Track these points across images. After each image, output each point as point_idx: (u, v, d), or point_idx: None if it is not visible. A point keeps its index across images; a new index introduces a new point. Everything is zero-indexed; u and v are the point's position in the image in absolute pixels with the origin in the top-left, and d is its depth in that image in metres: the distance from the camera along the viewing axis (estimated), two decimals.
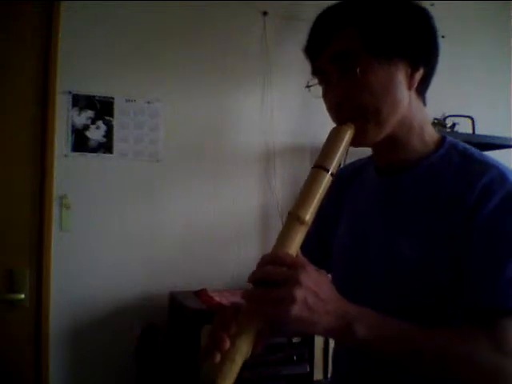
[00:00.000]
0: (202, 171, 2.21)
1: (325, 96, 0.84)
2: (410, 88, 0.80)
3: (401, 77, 0.78)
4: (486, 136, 2.33)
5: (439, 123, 2.34)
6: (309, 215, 0.71)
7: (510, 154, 2.45)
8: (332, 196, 1.00)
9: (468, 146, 0.84)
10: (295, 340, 1.89)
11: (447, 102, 2.34)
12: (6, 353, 1.89)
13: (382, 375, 0.82)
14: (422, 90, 0.83)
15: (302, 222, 0.70)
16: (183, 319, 1.90)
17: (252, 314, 0.66)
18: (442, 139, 0.85)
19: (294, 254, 0.70)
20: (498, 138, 2.35)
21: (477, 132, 2.41)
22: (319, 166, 0.74)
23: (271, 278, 0.65)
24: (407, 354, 0.69)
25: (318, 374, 1.99)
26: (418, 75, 0.80)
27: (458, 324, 0.73)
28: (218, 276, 2.17)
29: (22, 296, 1.89)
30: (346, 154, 0.80)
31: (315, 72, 0.84)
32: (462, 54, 2.56)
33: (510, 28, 2.68)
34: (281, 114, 2.32)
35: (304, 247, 0.72)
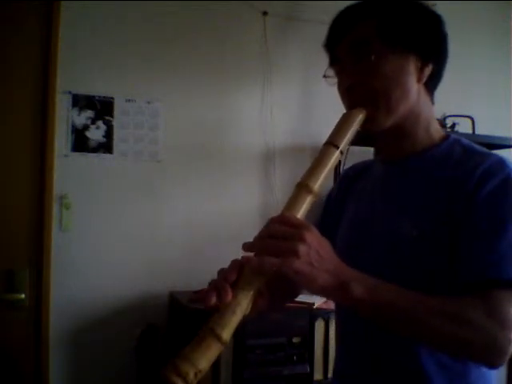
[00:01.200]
0: (202, 171, 2.21)
1: (339, 84, 0.88)
2: (419, 81, 0.85)
3: (411, 69, 0.84)
4: (486, 136, 2.33)
5: (439, 123, 2.34)
6: (317, 185, 0.74)
7: (510, 154, 2.45)
8: (338, 195, 1.05)
9: (471, 142, 0.89)
10: (295, 340, 1.89)
11: (447, 102, 2.33)
12: (6, 353, 1.89)
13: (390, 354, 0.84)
14: (430, 86, 0.88)
15: (309, 190, 0.73)
16: (183, 319, 1.90)
17: (255, 268, 0.67)
18: (447, 135, 0.90)
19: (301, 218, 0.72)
20: (498, 138, 2.35)
21: (477, 132, 2.41)
22: (329, 143, 0.78)
23: (277, 233, 0.67)
24: (402, 313, 0.71)
25: (318, 374, 1.98)
26: (428, 70, 0.85)
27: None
28: None
29: (22, 296, 1.89)
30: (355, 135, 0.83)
31: (333, 62, 0.89)
32: (462, 53, 2.55)
33: (510, 28, 2.68)
34: (281, 114, 2.32)
35: None
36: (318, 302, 2.00)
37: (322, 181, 0.75)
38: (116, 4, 2.07)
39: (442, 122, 2.37)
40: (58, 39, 1.96)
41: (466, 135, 2.31)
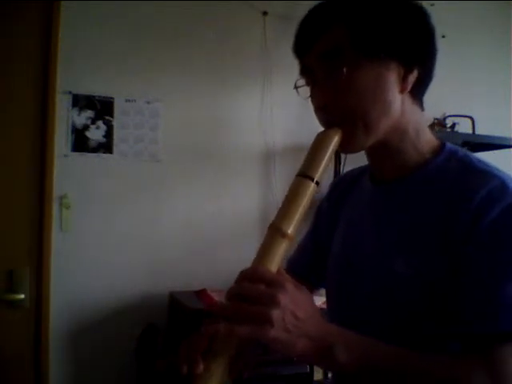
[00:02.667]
0: (202, 171, 2.21)
1: (312, 97, 0.79)
2: (402, 91, 0.74)
3: (392, 78, 0.73)
4: (486, 136, 2.33)
5: (439, 123, 2.34)
6: (291, 228, 0.67)
7: (510, 154, 2.45)
8: (330, 207, 0.97)
9: (468, 154, 0.79)
10: None
11: (447, 102, 2.34)
12: (6, 353, 1.89)
13: None
14: (417, 93, 0.78)
15: (283, 235, 0.66)
16: (183, 319, 1.90)
17: (228, 335, 0.61)
18: (441, 146, 0.80)
19: (275, 270, 0.66)
20: (498, 138, 2.34)
21: (477, 132, 2.41)
22: (303, 175, 0.70)
23: (247, 295, 0.61)
24: (391, 379, 0.65)
25: (318, 374, 1.99)
26: (412, 77, 0.74)
27: (454, 343, 0.69)
28: (217, 276, 2.17)
29: (22, 296, 1.89)
30: (333, 160, 0.79)
31: (303, 71, 0.80)
32: (462, 54, 2.56)
33: (510, 28, 2.68)
34: (281, 114, 2.32)
35: (300, 259, 0.68)
36: (318, 301, 2.00)
37: (298, 222, 0.67)
38: (116, 4, 2.07)
39: (442, 122, 2.37)
40: (57, 39, 1.96)
41: (465, 135, 2.31)
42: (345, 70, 0.71)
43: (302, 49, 0.78)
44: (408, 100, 0.76)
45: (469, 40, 2.62)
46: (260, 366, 1.83)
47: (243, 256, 2.44)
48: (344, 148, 0.76)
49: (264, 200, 2.30)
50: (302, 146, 2.35)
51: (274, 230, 0.67)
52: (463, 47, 2.57)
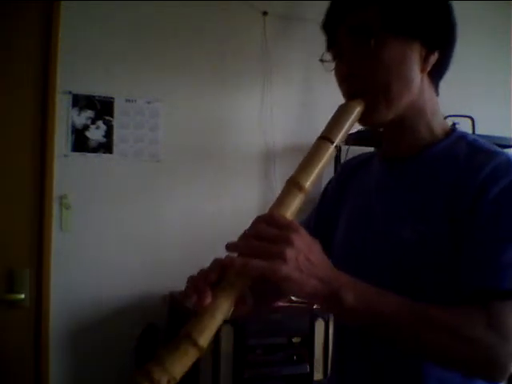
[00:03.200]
0: (202, 171, 2.21)
1: (337, 70, 0.83)
2: (423, 70, 0.79)
3: (415, 57, 0.78)
4: (486, 136, 2.32)
5: None
6: (308, 182, 0.70)
7: (510, 153, 2.45)
8: (335, 189, 0.99)
9: (478, 138, 0.83)
10: (295, 340, 1.89)
11: (447, 102, 2.32)
12: (6, 353, 1.89)
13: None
14: (435, 77, 0.83)
15: (300, 188, 0.69)
16: (183, 319, 1.90)
17: (238, 267, 0.62)
18: (452, 129, 0.85)
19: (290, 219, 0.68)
20: (498, 138, 2.34)
21: (477, 132, 2.41)
22: (324, 137, 0.74)
23: (264, 234, 0.64)
24: (395, 325, 0.67)
25: (318, 374, 1.98)
26: (433, 59, 0.79)
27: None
28: None
29: (22, 296, 1.89)
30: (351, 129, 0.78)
31: (330, 45, 0.84)
32: (462, 53, 2.55)
33: (509, 28, 2.68)
34: (281, 114, 2.32)
35: None
36: None
37: (315, 178, 0.70)
38: (116, 4, 2.07)
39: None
40: (57, 39, 1.96)
41: None
42: (372, 42, 0.76)
43: (333, 22, 0.81)
44: (426, 81, 0.81)
45: (468, 40, 2.62)
46: (260, 366, 1.83)
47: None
48: (364, 120, 0.79)
49: (264, 200, 2.30)
50: (302, 146, 2.35)
51: (292, 183, 0.70)
52: (463, 47, 2.56)
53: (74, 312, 2.01)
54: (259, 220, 0.67)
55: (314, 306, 1.96)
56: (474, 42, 2.66)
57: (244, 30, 2.28)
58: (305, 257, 0.63)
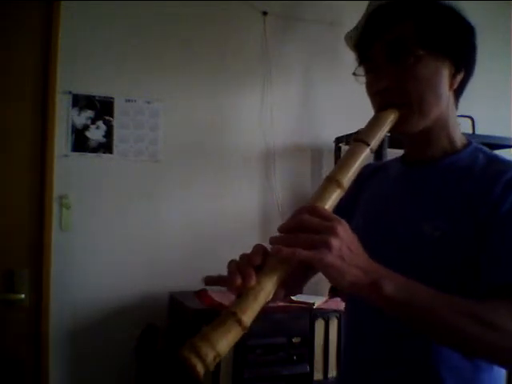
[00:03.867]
0: (202, 171, 2.21)
1: (370, 82, 0.87)
2: (451, 87, 0.86)
3: (445, 74, 0.84)
4: (486, 136, 2.33)
5: None
6: (346, 180, 0.74)
7: (510, 153, 2.45)
8: (352, 191, 1.03)
9: (493, 152, 0.90)
10: (295, 340, 1.89)
11: None
12: (5, 353, 1.89)
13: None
14: (458, 94, 0.90)
15: (338, 184, 0.73)
16: (183, 319, 1.90)
17: (284, 255, 0.65)
18: (469, 142, 0.91)
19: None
20: (498, 138, 2.34)
21: (477, 132, 2.41)
22: (361, 140, 0.78)
23: (309, 225, 0.66)
24: (431, 313, 0.70)
25: (318, 374, 1.98)
26: (459, 77, 0.86)
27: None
28: None
29: (22, 296, 1.89)
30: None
31: (365, 60, 0.88)
32: None
33: (510, 28, 2.68)
34: (281, 114, 2.32)
35: None
36: (318, 302, 2.00)
37: (351, 176, 0.75)
38: (116, 4, 2.07)
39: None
40: (57, 39, 1.96)
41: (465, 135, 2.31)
42: (411, 58, 0.81)
43: (370, 38, 0.86)
44: (452, 98, 0.89)
45: None
46: (260, 366, 1.83)
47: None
48: (398, 128, 0.84)
49: (264, 200, 2.30)
50: (302, 146, 2.35)
51: (331, 180, 0.74)
52: None
53: (74, 312, 2.01)
54: (302, 210, 0.69)
55: (314, 306, 1.96)
56: None
57: (244, 30, 2.28)
58: (347, 247, 0.66)
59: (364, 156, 0.77)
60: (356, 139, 0.79)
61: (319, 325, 1.95)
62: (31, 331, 1.93)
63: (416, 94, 0.82)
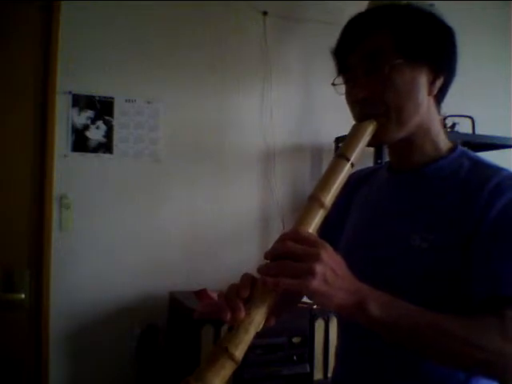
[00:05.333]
0: (202, 171, 2.21)
1: (349, 92, 0.87)
2: (429, 94, 0.85)
3: (423, 81, 0.83)
4: (486, 136, 2.33)
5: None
6: (328, 199, 0.74)
7: (510, 153, 2.45)
8: (341, 199, 1.01)
9: (478, 155, 0.89)
10: (295, 340, 1.89)
11: (447, 102, 2.32)
12: (5, 353, 1.89)
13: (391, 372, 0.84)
14: (439, 99, 0.89)
15: (321, 204, 0.73)
16: (183, 319, 1.90)
17: (270, 285, 0.66)
18: (454, 146, 0.90)
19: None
20: (497, 138, 2.34)
21: (477, 132, 2.41)
22: (341, 156, 0.78)
23: (292, 253, 0.67)
24: (419, 334, 0.70)
25: (318, 374, 1.98)
26: (439, 82, 0.85)
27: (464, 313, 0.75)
28: (217, 276, 2.17)
29: (22, 296, 1.89)
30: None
31: (343, 70, 0.88)
32: (462, 53, 2.55)
33: (510, 28, 2.68)
34: (281, 114, 2.32)
35: None
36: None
37: (334, 194, 0.75)
38: (116, 4, 2.07)
39: (442, 122, 2.36)
40: (57, 39, 1.96)
41: (465, 135, 2.31)
42: (387, 68, 0.81)
43: (346, 48, 0.86)
44: (432, 103, 0.87)
45: (469, 40, 2.61)
46: (260, 366, 1.83)
47: (243, 255, 2.46)
48: (377, 138, 0.84)
49: (264, 200, 2.30)
50: (302, 146, 2.35)
51: (313, 200, 0.74)
52: (463, 47, 2.56)
53: (74, 312, 2.01)
54: (286, 236, 0.69)
55: (315, 306, 1.96)
56: (474, 42, 2.66)
57: (244, 30, 2.28)
58: (332, 271, 0.67)
59: (345, 172, 0.77)
60: (337, 155, 0.79)
61: (319, 325, 1.96)
62: (31, 331, 1.93)
63: (393, 103, 0.82)
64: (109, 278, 2.05)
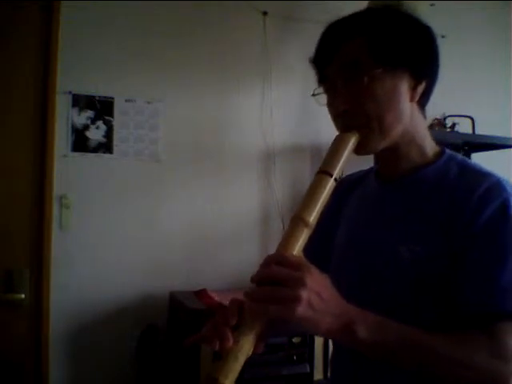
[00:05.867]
0: (202, 171, 2.21)
1: (330, 104, 0.86)
2: (412, 100, 0.83)
3: (404, 88, 0.81)
4: (486, 136, 2.33)
5: (439, 123, 2.34)
6: (312, 218, 0.73)
7: (510, 153, 2.45)
8: (331, 206, 0.98)
9: (466, 159, 0.88)
10: (295, 340, 1.89)
11: (447, 102, 2.33)
12: (6, 353, 1.89)
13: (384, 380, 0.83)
14: (423, 103, 0.86)
15: (305, 224, 0.72)
16: (183, 319, 1.90)
17: (256, 312, 0.66)
18: (442, 151, 0.88)
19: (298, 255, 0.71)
20: (497, 138, 2.34)
21: (477, 132, 2.41)
22: (323, 171, 0.77)
23: (277, 278, 0.66)
24: (407, 355, 0.70)
25: (318, 374, 1.99)
26: (421, 88, 0.83)
27: (455, 326, 0.74)
28: (217, 276, 2.17)
29: (22, 296, 1.89)
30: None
31: (322, 80, 0.86)
32: (462, 54, 2.56)
33: (510, 28, 2.68)
34: (281, 114, 2.32)
35: (305, 250, 0.72)
36: None
37: (318, 212, 0.74)
38: (116, 4, 2.07)
39: (442, 122, 2.36)
40: (57, 39, 1.96)
41: (465, 135, 2.31)
42: (365, 79, 0.79)
43: (323, 59, 0.84)
44: (415, 109, 0.85)
45: (469, 40, 2.62)
46: (260, 366, 1.83)
47: (243, 255, 2.46)
48: (360, 149, 0.82)
49: (264, 200, 2.30)
50: (302, 146, 2.35)
51: (297, 220, 0.73)
52: (463, 47, 2.57)
53: (74, 312, 2.01)
54: (270, 260, 0.68)
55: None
56: (474, 42, 2.66)
57: (244, 30, 2.28)
58: (317, 295, 0.65)
59: (328, 188, 0.75)
60: (319, 171, 0.78)
61: None
62: (31, 331, 1.93)
63: (375, 114, 0.80)
64: (109, 277, 2.05)
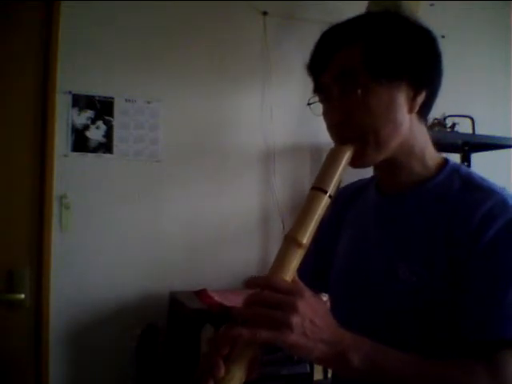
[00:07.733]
0: (202, 171, 2.21)
1: (325, 114, 0.83)
2: (410, 111, 0.79)
3: (402, 99, 0.77)
4: (486, 136, 2.33)
5: (439, 123, 2.34)
6: (306, 238, 0.70)
7: (510, 153, 2.45)
8: (332, 217, 0.97)
9: (470, 171, 0.83)
10: None
11: (447, 102, 2.32)
12: (6, 353, 1.89)
13: None
14: (423, 113, 0.82)
15: (299, 245, 0.70)
16: (183, 319, 1.90)
17: (247, 339, 0.64)
18: (445, 162, 0.84)
19: (291, 278, 0.69)
20: (497, 138, 2.34)
21: (477, 132, 2.41)
22: (317, 188, 0.74)
23: (268, 301, 0.64)
24: (400, 383, 0.68)
25: (318, 374, 1.99)
26: (420, 98, 0.78)
27: (455, 349, 0.72)
28: (217, 276, 2.17)
29: (22, 296, 1.89)
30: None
31: (317, 89, 0.83)
32: (462, 54, 2.56)
33: (510, 28, 2.68)
34: (281, 114, 2.32)
35: (301, 269, 0.71)
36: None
37: (312, 232, 0.71)
38: (116, 4, 2.07)
39: (442, 122, 2.36)
40: (57, 39, 1.96)
41: (465, 135, 2.31)
42: (359, 91, 0.75)
43: (317, 68, 0.81)
44: (415, 119, 0.81)
45: (469, 40, 2.62)
46: (260, 365, 1.83)
47: (243, 255, 2.46)
48: (355, 163, 0.79)
49: (264, 200, 2.30)
50: (302, 146, 2.35)
51: (290, 240, 0.70)
52: (463, 47, 2.56)
53: (74, 312, 2.00)
54: (261, 285, 0.67)
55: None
56: (475, 42, 2.66)
57: (244, 30, 2.28)
58: (310, 321, 0.63)
59: (323, 206, 0.72)
60: (313, 187, 0.74)
61: None
62: (31, 331, 1.93)
63: (370, 127, 0.76)
64: (109, 277, 2.05)
